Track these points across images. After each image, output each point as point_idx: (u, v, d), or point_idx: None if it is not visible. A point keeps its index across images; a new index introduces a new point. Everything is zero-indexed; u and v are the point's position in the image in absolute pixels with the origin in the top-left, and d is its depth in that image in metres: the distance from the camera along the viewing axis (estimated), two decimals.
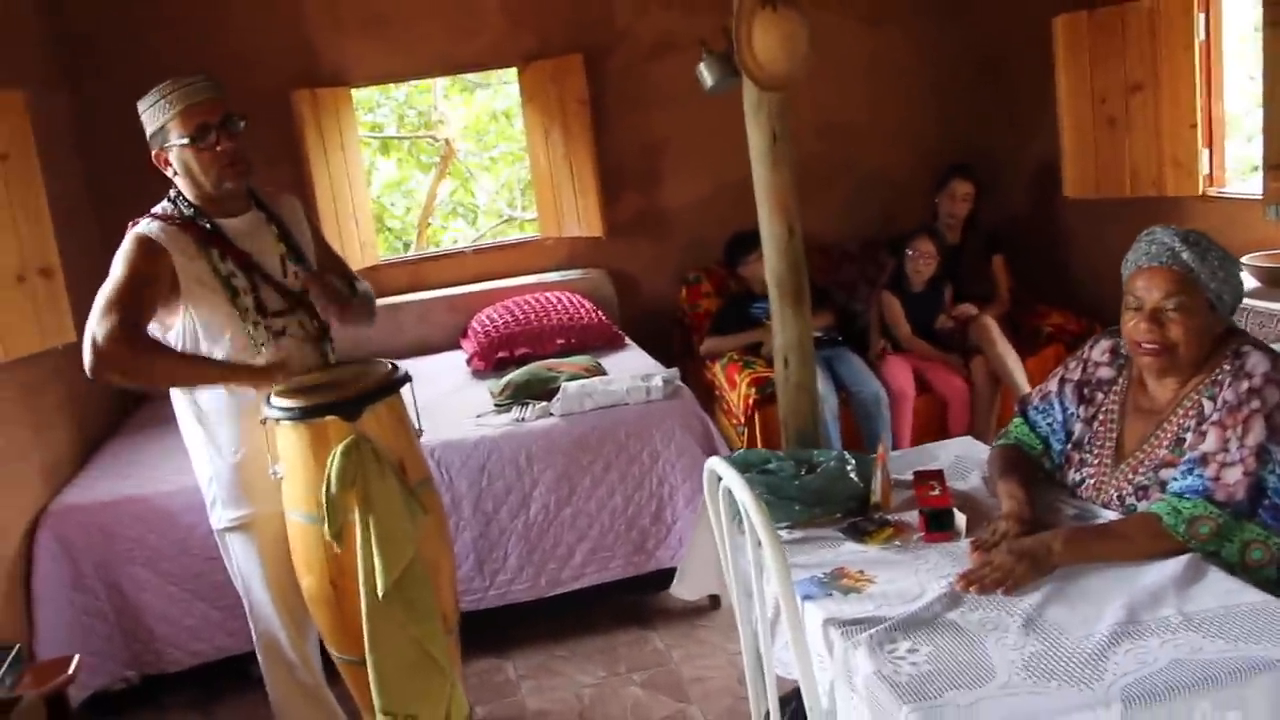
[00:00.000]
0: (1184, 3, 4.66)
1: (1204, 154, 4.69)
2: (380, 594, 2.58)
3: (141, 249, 2.73)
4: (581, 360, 4.73)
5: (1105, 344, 2.52)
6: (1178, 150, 4.73)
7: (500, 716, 3.65)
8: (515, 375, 4.52)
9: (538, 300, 5.37)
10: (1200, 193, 4.71)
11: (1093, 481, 2.40)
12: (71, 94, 5.03)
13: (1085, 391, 2.50)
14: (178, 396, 2.92)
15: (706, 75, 2.98)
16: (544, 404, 4.21)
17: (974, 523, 2.35)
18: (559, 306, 5.29)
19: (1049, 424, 2.55)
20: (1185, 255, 2.21)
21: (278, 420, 2.70)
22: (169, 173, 2.82)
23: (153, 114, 2.75)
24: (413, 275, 5.90)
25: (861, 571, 2.21)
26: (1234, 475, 2.12)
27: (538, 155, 5.84)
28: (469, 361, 5.15)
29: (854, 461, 2.61)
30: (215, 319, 2.80)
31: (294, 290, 2.94)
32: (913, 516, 2.41)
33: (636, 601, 4.26)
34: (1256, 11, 4.15)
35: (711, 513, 2.26)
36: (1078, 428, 2.49)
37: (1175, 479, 2.19)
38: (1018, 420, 2.63)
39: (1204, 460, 2.16)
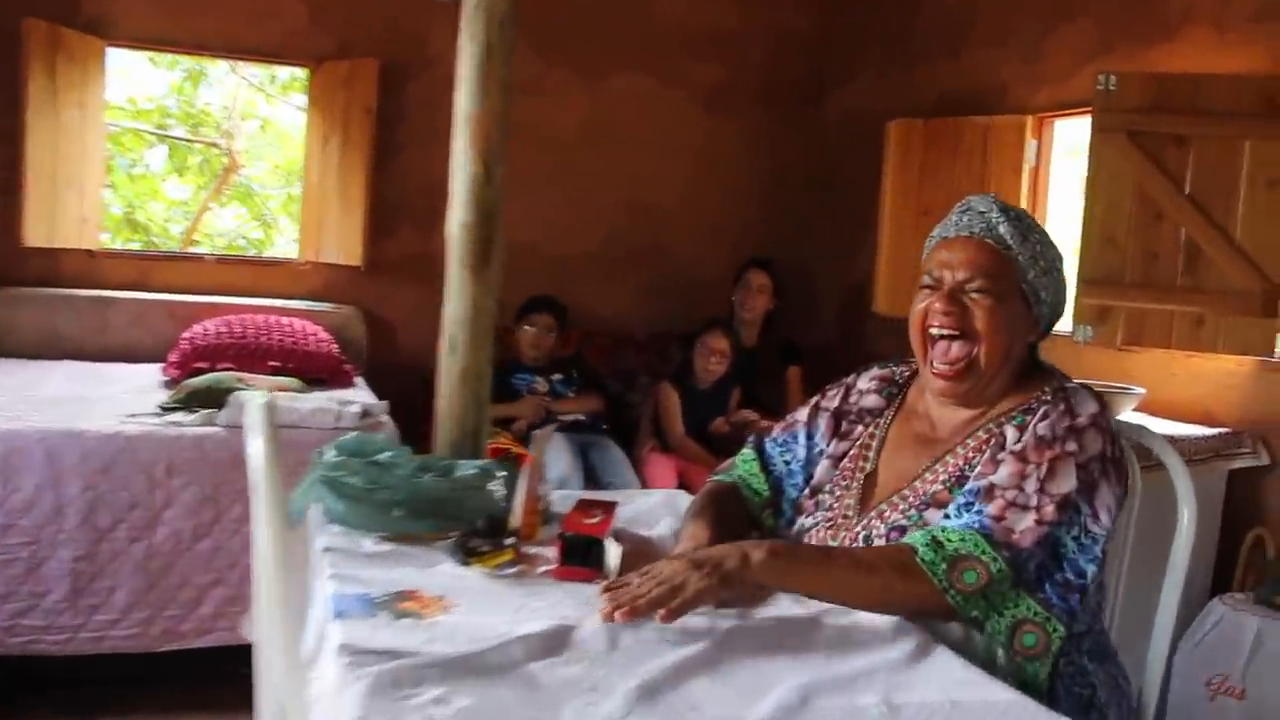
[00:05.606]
0: (1018, 125, 4.35)
1: None
2: None
3: None
4: (286, 382, 3.93)
5: (877, 372, 1.93)
6: None
7: None
8: (197, 380, 3.71)
9: (265, 319, 4.56)
10: None
11: (827, 526, 1.74)
12: None
13: (842, 424, 1.88)
14: None
15: None
16: (210, 411, 3.39)
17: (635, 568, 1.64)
18: (285, 329, 4.49)
19: (787, 461, 1.91)
20: (1003, 229, 1.68)
21: None
22: None
23: None
24: (138, 272, 5.01)
25: (442, 598, 1.47)
26: (1024, 522, 1.51)
27: (311, 167, 5.12)
28: (164, 370, 4.29)
29: (504, 474, 1.89)
30: None
31: None
32: (553, 550, 1.69)
33: None
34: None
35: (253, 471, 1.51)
36: (821, 467, 1.85)
37: (946, 516, 1.58)
38: (747, 453, 1.96)
39: (988, 493, 1.55)
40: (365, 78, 4.94)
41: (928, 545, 1.51)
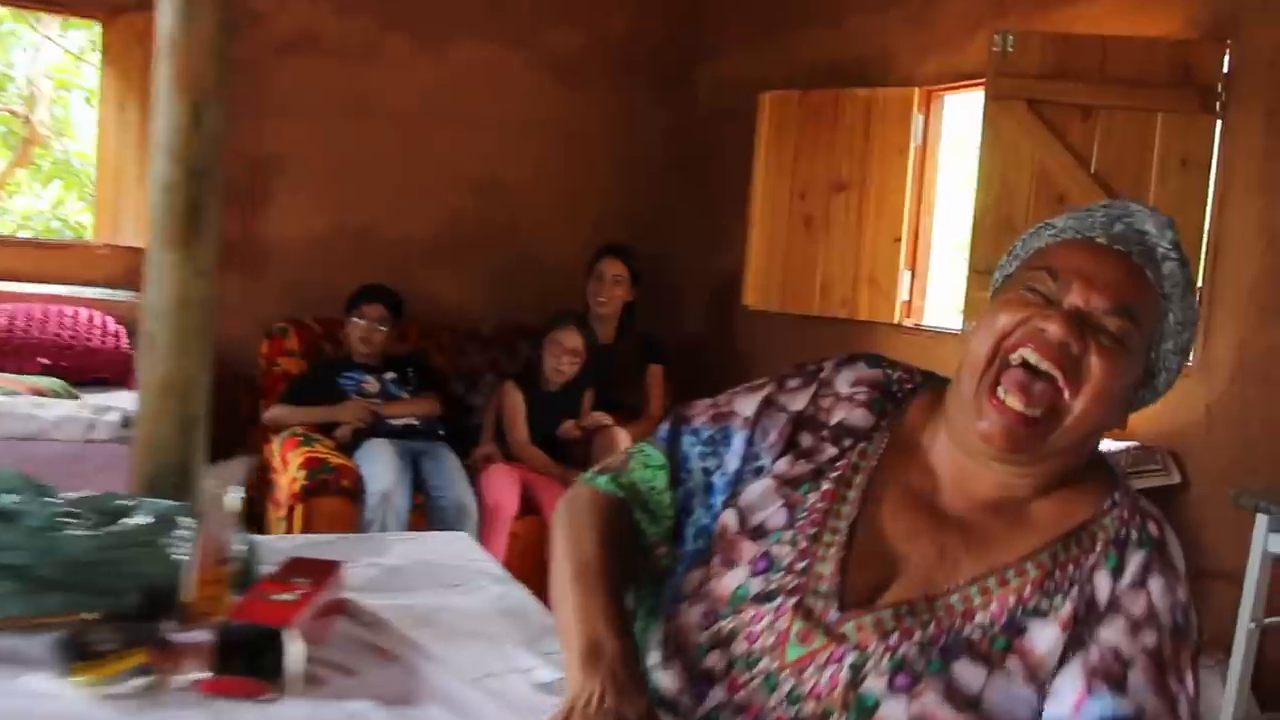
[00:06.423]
0: (903, 98, 3.92)
1: (905, 276, 3.86)
2: None
3: None
4: (45, 383, 3.30)
5: (865, 371, 1.25)
6: (877, 267, 3.90)
7: None
8: None
9: (44, 310, 3.89)
10: (896, 320, 3.88)
11: (793, 607, 1.10)
12: None
13: (802, 437, 1.21)
14: None
15: None
16: None
17: (379, 679, 1.11)
18: (65, 322, 3.84)
19: (708, 470, 1.23)
20: (1169, 267, 1.11)
21: None
22: None
23: None
24: None
25: None
26: None
27: (107, 136, 4.46)
28: None
29: (196, 522, 1.35)
30: None
31: None
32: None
33: None
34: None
35: None
36: (759, 489, 1.19)
37: None
38: (651, 453, 1.27)
39: None
40: None
41: None
